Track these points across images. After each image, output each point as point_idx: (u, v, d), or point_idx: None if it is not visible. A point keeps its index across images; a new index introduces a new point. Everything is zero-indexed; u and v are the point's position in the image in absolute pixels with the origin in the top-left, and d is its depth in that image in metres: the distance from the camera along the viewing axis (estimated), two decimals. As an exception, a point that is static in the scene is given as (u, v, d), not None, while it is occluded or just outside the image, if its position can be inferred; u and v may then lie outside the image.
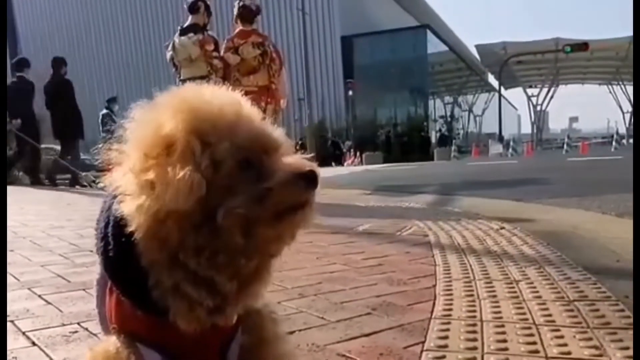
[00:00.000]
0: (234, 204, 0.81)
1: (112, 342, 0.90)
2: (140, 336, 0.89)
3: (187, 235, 0.81)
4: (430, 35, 49.21)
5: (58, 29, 53.71)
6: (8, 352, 1.58)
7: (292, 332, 1.73)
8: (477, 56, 65.27)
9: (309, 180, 0.85)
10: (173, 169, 0.78)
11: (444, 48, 54.57)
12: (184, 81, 5.41)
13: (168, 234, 0.81)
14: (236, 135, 0.83)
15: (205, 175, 0.79)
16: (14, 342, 1.68)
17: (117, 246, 0.87)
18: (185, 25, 5.79)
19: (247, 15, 5.65)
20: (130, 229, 0.82)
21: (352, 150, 34.21)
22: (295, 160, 0.87)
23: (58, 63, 10.80)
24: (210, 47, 5.64)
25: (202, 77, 5.40)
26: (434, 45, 50.24)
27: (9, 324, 1.84)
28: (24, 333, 1.75)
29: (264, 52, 5.57)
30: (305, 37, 33.18)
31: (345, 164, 31.34)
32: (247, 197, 0.81)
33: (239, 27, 5.64)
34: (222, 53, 5.66)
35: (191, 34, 5.63)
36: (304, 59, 32.74)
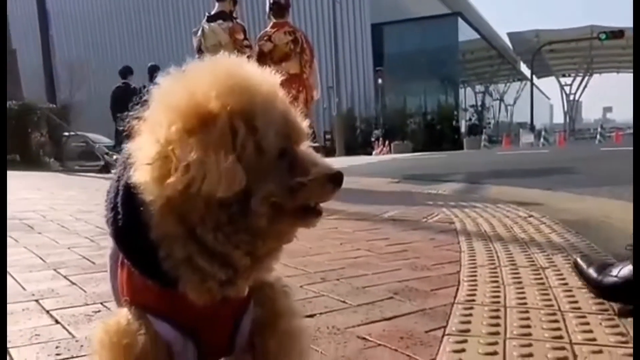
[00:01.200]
0: (270, 192, 0.82)
1: (123, 315, 0.90)
2: (151, 308, 0.89)
3: (210, 212, 0.81)
4: (461, 23, 48.51)
5: (88, 9, 54.11)
6: (31, 330, 1.61)
7: (312, 315, 1.73)
8: (509, 44, 64.24)
9: (337, 182, 0.87)
10: (216, 154, 0.77)
11: (476, 36, 53.69)
12: None
13: (191, 209, 0.80)
14: (277, 123, 0.84)
15: (248, 160, 0.80)
16: (38, 320, 1.71)
17: (127, 216, 0.87)
18: (213, 12, 5.86)
19: (278, 10, 5.87)
20: (143, 198, 0.81)
21: (380, 139, 34.04)
22: (317, 156, 0.89)
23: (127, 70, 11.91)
24: (240, 36, 5.75)
25: None
26: (465, 33, 49.50)
27: (34, 303, 1.88)
28: (47, 312, 1.78)
29: (295, 40, 5.71)
30: (335, 24, 32.98)
31: (373, 153, 31.22)
32: (282, 187, 0.83)
33: (272, 20, 5.88)
34: (254, 44, 5.86)
35: (220, 21, 5.72)
36: (334, 47, 32.58)
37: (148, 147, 0.80)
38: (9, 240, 3.16)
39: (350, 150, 31.85)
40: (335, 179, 0.86)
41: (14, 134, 12.24)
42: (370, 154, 30.94)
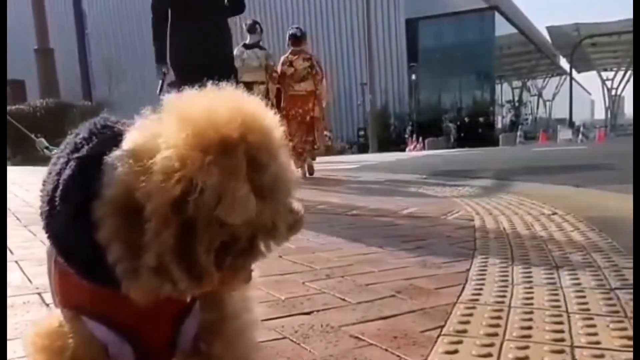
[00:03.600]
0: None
1: (56, 316, 0.87)
2: (85, 308, 0.86)
3: (220, 235, 0.77)
4: (498, 17, 47.73)
5: (126, 6, 54.64)
6: (27, 323, 1.62)
7: (309, 313, 1.69)
8: (548, 38, 62.93)
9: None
10: (234, 180, 0.74)
11: (513, 30, 52.77)
12: (245, 83, 6.97)
13: (203, 227, 0.75)
14: (278, 169, 0.81)
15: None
16: (36, 313, 1.72)
17: (68, 213, 0.82)
18: (249, 42, 7.52)
19: (295, 40, 7.69)
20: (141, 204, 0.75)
21: (414, 135, 33.75)
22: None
23: None
24: (271, 62, 7.50)
25: (262, 82, 7.38)
26: (502, 28, 48.68)
27: (36, 297, 1.90)
28: (48, 305, 1.79)
29: (311, 65, 7.58)
30: (368, 19, 32.77)
31: (407, 149, 30.98)
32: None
33: (291, 48, 7.69)
34: (279, 67, 7.59)
35: (256, 49, 7.48)
36: (367, 42, 32.38)
37: (156, 154, 0.75)
38: (27, 234, 3.21)
39: (383, 147, 31.66)
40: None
41: (51, 131, 12.53)
42: (403, 150, 30.70)
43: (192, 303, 0.90)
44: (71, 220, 0.82)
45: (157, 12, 4.91)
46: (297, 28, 7.86)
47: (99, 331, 0.86)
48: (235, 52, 6.95)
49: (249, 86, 6.91)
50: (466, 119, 39.55)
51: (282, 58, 7.66)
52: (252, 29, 7.58)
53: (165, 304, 0.83)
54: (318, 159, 8.73)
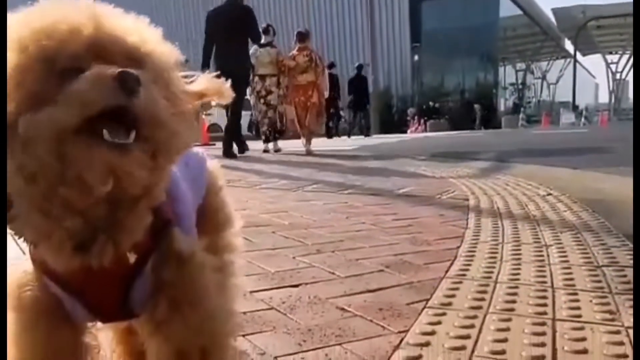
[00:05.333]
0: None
1: (29, 271, 0.88)
2: (42, 263, 0.86)
3: None
4: (503, -1, 47.32)
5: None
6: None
7: (297, 285, 1.72)
8: (554, 20, 62.38)
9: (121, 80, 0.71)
10: None
11: (518, 12, 52.31)
12: (260, 75, 9.06)
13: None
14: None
15: None
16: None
17: None
18: (263, 42, 8.85)
19: (301, 38, 9.26)
20: None
21: (416, 117, 33.62)
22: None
23: None
24: (280, 58, 9.09)
25: (273, 75, 9.10)
26: (507, 9, 48.25)
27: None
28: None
29: (310, 59, 8.99)
30: (371, 0, 32.48)
31: (408, 131, 30.89)
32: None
33: (297, 45, 9.18)
34: (285, 61, 9.08)
35: (269, 48, 9.07)
36: (370, 23, 32.10)
37: None
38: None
39: (385, 129, 31.56)
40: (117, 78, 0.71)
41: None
42: (405, 132, 30.62)
43: (142, 264, 0.87)
44: None
45: (208, 36, 7.72)
46: (303, 28, 9.73)
47: (53, 288, 0.87)
48: (251, 50, 8.71)
49: (263, 78, 9.10)
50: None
51: (289, 54, 9.19)
52: (266, 30, 9.12)
53: (104, 269, 0.81)
54: (320, 139, 9.49)
